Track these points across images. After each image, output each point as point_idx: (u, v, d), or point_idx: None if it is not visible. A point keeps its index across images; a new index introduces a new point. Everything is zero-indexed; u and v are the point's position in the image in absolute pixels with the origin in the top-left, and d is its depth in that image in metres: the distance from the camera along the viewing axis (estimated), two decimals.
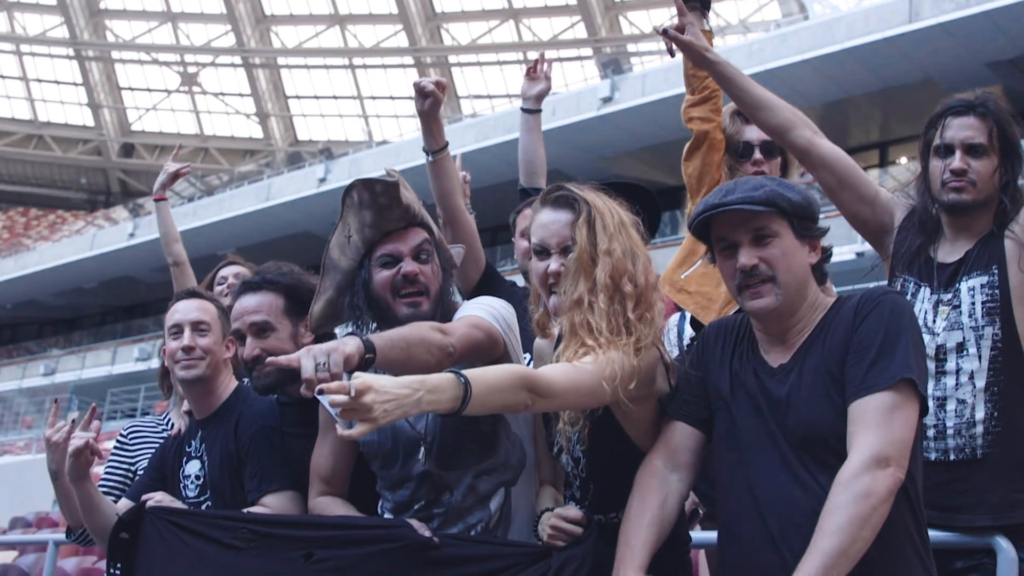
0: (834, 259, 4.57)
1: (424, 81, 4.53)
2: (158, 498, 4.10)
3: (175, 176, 6.87)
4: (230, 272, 5.97)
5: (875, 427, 3.02)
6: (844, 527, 2.91)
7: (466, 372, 3.02)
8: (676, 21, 4.32)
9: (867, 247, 4.70)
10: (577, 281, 3.49)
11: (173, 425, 5.23)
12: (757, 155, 4.93)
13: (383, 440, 3.83)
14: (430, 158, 4.67)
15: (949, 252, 4.10)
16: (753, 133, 4.86)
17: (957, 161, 4.04)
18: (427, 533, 3.56)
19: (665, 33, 4.28)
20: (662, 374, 3.52)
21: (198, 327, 4.54)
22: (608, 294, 3.46)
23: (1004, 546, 3.76)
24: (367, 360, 3.22)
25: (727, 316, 3.67)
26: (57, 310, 60.32)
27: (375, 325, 3.81)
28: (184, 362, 4.50)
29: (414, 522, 3.62)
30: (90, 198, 75.58)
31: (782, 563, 3.06)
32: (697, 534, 3.91)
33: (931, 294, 4.06)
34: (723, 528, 3.38)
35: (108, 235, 55.20)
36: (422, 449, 3.73)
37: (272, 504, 4.16)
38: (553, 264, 3.59)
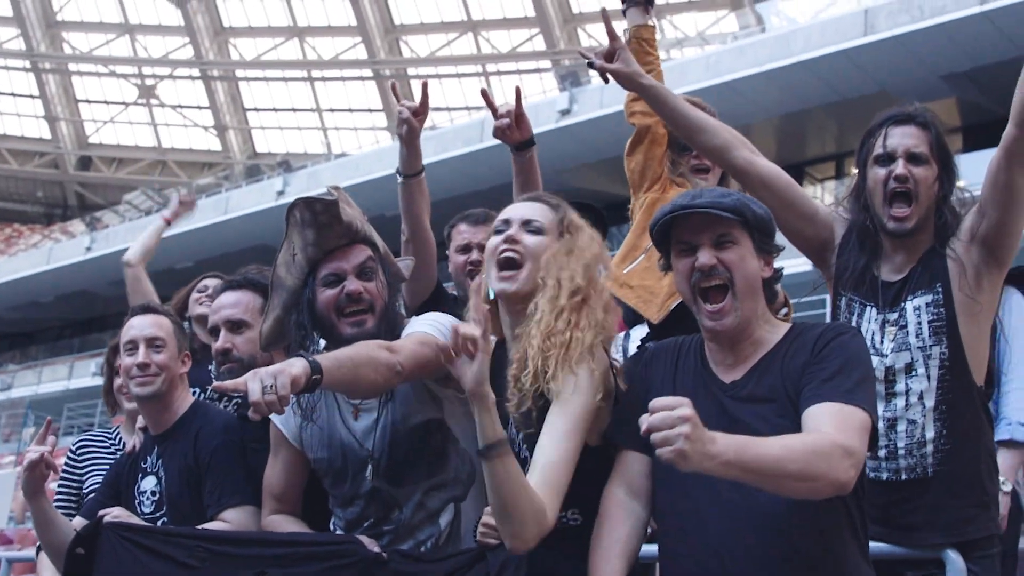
0: (790, 271, 4.59)
1: (402, 107, 4.55)
2: (115, 513, 4.10)
3: (183, 204, 7.13)
4: (212, 284, 5.94)
5: (840, 427, 3.02)
6: (797, 459, 2.89)
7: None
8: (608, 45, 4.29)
9: None
10: (573, 264, 3.52)
11: (123, 443, 5.24)
12: None
13: (333, 457, 3.85)
14: (400, 179, 4.69)
15: (892, 270, 4.11)
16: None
17: (900, 168, 4.03)
18: (376, 549, 3.58)
19: (591, 66, 4.29)
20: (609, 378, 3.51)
21: (153, 343, 4.53)
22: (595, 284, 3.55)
23: (953, 557, 3.79)
24: (314, 381, 3.23)
25: (666, 340, 3.66)
26: (13, 324, 59.82)
27: (323, 344, 3.82)
28: (139, 379, 4.50)
29: (363, 538, 3.65)
30: (47, 211, 74.98)
31: (738, 564, 3.09)
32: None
33: (877, 314, 4.07)
34: (667, 541, 3.39)
35: (65, 249, 54.84)
36: (369, 467, 3.74)
37: (232, 519, 4.16)
38: (512, 229, 3.62)
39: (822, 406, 3.08)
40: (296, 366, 3.18)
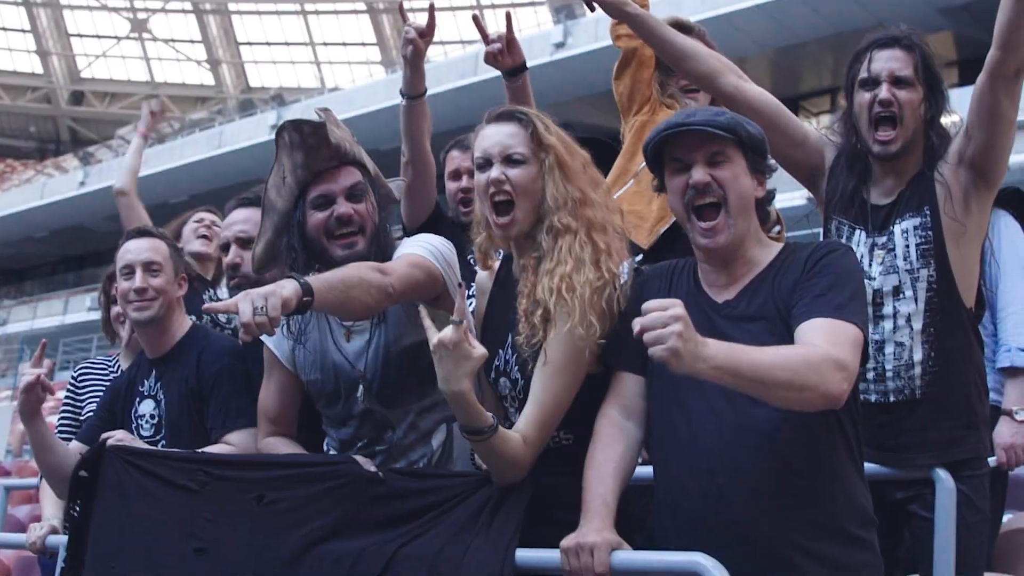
0: (784, 204, 4.59)
1: (409, 27, 4.54)
2: (118, 436, 4.11)
3: (154, 116, 6.88)
4: (208, 217, 5.97)
5: (832, 341, 3.03)
6: (786, 367, 2.92)
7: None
8: None
9: None
10: (566, 183, 3.53)
11: (122, 370, 5.25)
12: None
13: (325, 378, 3.88)
14: (404, 102, 4.68)
15: (881, 194, 4.12)
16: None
17: (884, 92, 4.03)
18: (372, 468, 3.60)
19: None
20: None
21: (150, 267, 4.53)
22: (598, 185, 3.62)
23: (943, 476, 3.82)
24: (305, 303, 3.25)
25: (661, 263, 3.67)
26: (7, 260, 59.85)
27: (317, 266, 3.82)
28: (136, 303, 4.51)
29: (359, 458, 3.68)
30: (40, 146, 74.77)
31: (731, 478, 3.12)
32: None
33: (866, 237, 4.08)
34: (664, 458, 3.40)
35: (58, 184, 54.77)
36: (360, 388, 3.75)
37: (236, 441, 4.21)
38: (494, 172, 3.56)
39: (814, 321, 3.10)
40: (287, 288, 3.19)
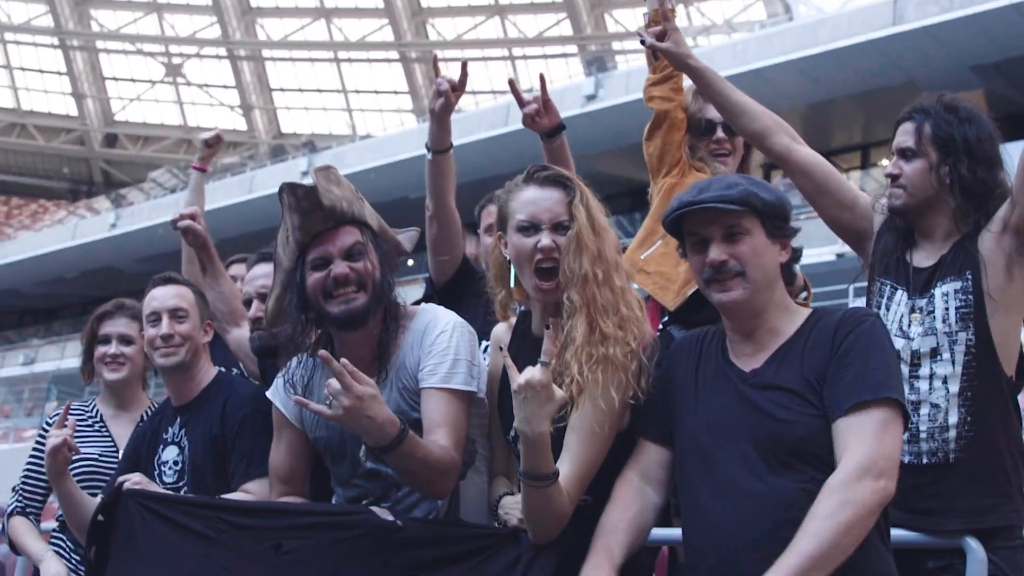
0: (813, 260, 4.60)
1: (442, 80, 4.56)
2: (135, 479, 4.10)
3: (209, 145, 6.59)
4: (114, 332, 5.47)
5: (867, 439, 3.04)
6: (828, 532, 2.93)
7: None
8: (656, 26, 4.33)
9: (847, 248, 4.73)
10: (580, 257, 3.53)
11: (100, 414, 5.32)
12: (720, 133, 4.91)
13: (331, 436, 3.87)
14: (430, 156, 4.69)
15: (924, 257, 4.12)
16: (716, 111, 4.78)
17: (890, 167, 4.14)
18: (389, 517, 3.58)
19: (643, 43, 4.32)
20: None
21: (176, 314, 4.56)
22: (613, 268, 3.58)
23: (974, 547, 3.77)
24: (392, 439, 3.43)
25: (691, 332, 3.68)
26: (38, 299, 60.13)
27: (319, 331, 3.85)
28: (163, 350, 4.53)
29: (375, 508, 3.65)
30: (72, 188, 75.32)
31: (753, 552, 3.08)
32: (657, 532, 3.93)
33: (908, 299, 4.08)
34: (690, 527, 3.38)
35: (90, 225, 55.04)
36: (363, 447, 3.75)
37: (255, 490, 4.19)
38: (545, 239, 3.58)
39: (857, 419, 3.08)
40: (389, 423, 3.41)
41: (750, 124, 4.34)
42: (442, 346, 3.76)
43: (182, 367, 4.55)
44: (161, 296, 4.61)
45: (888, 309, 4.11)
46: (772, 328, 3.33)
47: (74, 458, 5.00)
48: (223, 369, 4.87)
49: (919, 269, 4.10)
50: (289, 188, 3.78)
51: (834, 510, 2.96)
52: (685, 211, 3.32)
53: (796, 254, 3.48)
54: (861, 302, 5.57)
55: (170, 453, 4.56)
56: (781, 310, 3.37)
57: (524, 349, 3.68)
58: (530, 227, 3.63)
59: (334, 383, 3.34)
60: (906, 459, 3.96)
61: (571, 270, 3.54)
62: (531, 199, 3.65)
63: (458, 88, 4.60)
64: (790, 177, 4.37)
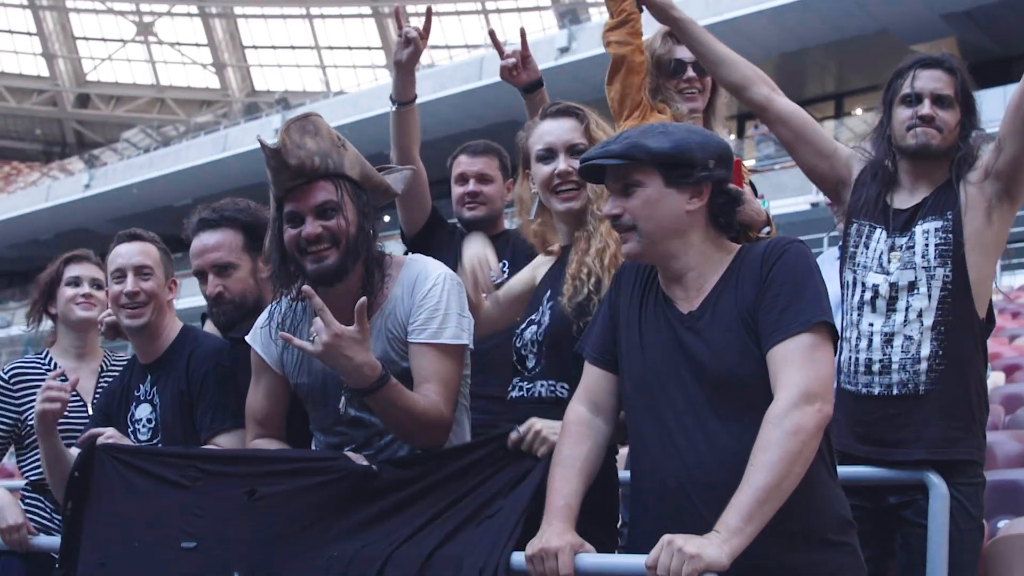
0: (788, 209, 4.63)
1: (409, 28, 4.56)
2: (108, 434, 4.11)
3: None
4: (85, 275, 5.44)
5: (799, 366, 3.08)
6: (776, 463, 2.96)
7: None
8: None
9: (821, 197, 4.77)
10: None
11: (57, 365, 5.23)
12: (690, 72, 4.92)
13: (313, 382, 3.88)
14: (394, 107, 4.69)
15: (906, 199, 4.21)
16: (686, 52, 4.78)
17: (926, 108, 4.17)
18: (364, 462, 3.62)
19: None
20: None
21: (141, 271, 4.51)
22: None
23: (936, 482, 3.84)
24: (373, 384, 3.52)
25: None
26: (12, 262, 59.86)
27: (300, 279, 3.82)
28: (128, 310, 4.49)
29: (350, 454, 3.69)
30: (45, 149, 74.85)
31: (703, 498, 3.12)
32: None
33: (887, 237, 4.16)
34: (638, 468, 3.40)
35: (64, 186, 54.85)
36: (343, 397, 3.77)
37: (224, 443, 4.19)
38: (561, 164, 3.88)
39: (786, 347, 3.12)
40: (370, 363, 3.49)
41: (730, 75, 4.43)
42: (433, 300, 3.78)
43: (147, 327, 4.52)
44: (126, 253, 4.55)
45: (867, 247, 4.20)
46: (700, 272, 3.33)
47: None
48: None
49: (899, 210, 4.20)
50: (261, 144, 3.77)
51: (778, 440, 2.98)
52: (587, 167, 3.39)
53: (733, 196, 3.44)
54: (834, 251, 5.62)
55: (143, 411, 4.55)
56: (706, 255, 3.35)
57: (561, 268, 3.91)
58: (547, 155, 3.92)
59: (317, 320, 3.44)
60: (876, 390, 4.08)
61: (591, 189, 3.81)
62: (546, 130, 3.97)
63: (424, 36, 4.62)
64: (769, 127, 4.48)
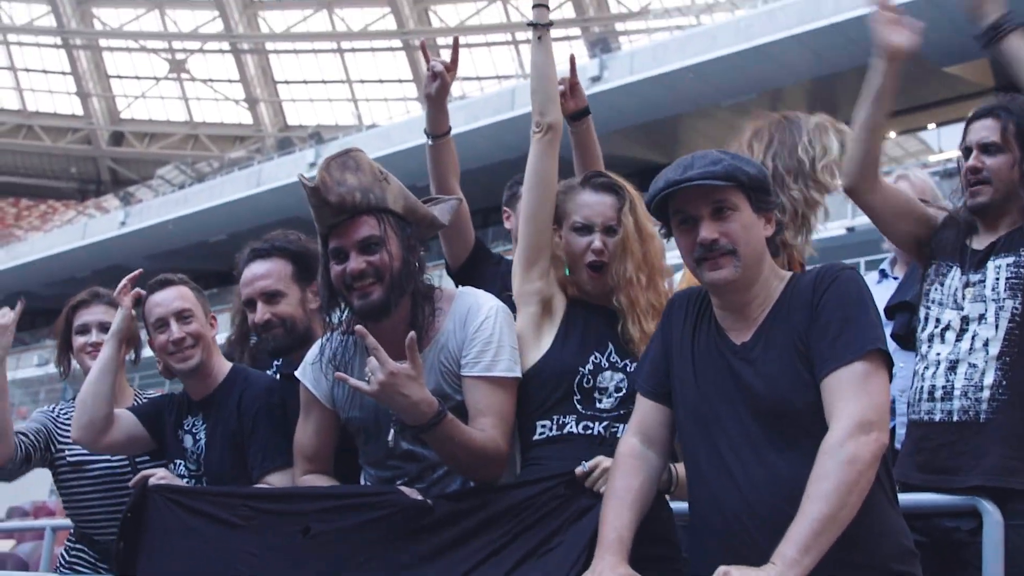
0: (824, 235, 4.58)
1: (435, 62, 4.55)
2: (160, 475, 4.11)
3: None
4: (92, 320, 5.39)
5: (854, 395, 3.06)
6: (832, 492, 2.93)
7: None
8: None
9: (857, 222, 4.75)
10: (625, 262, 3.90)
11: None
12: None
13: (365, 416, 3.88)
14: (430, 141, 4.68)
15: (983, 240, 4.22)
16: None
17: (972, 159, 4.21)
18: (418, 496, 3.61)
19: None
20: None
21: (182, 316, 4.53)
22: (657, 273, 3.96)
23: (990, 509, 3.77)
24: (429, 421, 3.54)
25: (691, 288, 3.68)
26: (50, 300, 59.83)
27: (346, 311, 3.85)
28: (178, 355, 4.51)
29: (404, 488, 3.68)
30: (81, 187, 75.42)
31: (761, 529, 3.09)
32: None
33: (961, 275, 4.16)
34: (695, 497, 3.39)
35: (99, 224, 55.22)
36: (392, 429, 3.77)
37: (275, 482, 4.20)
38: (597, 242, 3.94)
39: (839, 376, 3.09)
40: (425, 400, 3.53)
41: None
42: (486, 333, 3.80)
43: (199, 367, 4.54)
44: (163, 301, 4.57)
45: (942, 284, 4.20)
46: (761, 301, 3.33)
47: (86, 460, 5.02)
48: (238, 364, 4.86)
49: (976, 250, 4.19)
50: (301, 183, 3.76)
51: (834, 470, 2.96)
52: (671, 191, 3.30)
53: (779, 227, 3.46)
54: (872, 275, 5.58)
55: (188, 441, 4.59)
56: (769, 282, 3.36)
57: (581, 314, 3.98)
58: (584, 228, 3.97)
59: (372, 360, 3.44)
60: (937, 417, 4.04)
61: (617, 274, 3.90)
62: (586, 202, 4.01)
63: (451, 68, 4.60)
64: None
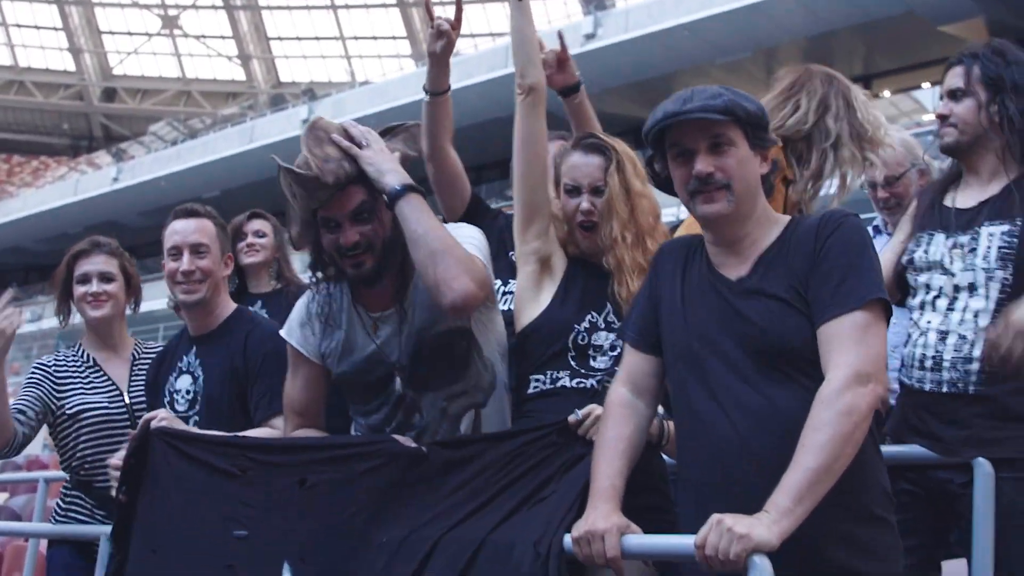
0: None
1: (441, 20, 4.54)
2: (162, 415, 4.12)
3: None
4: (93, 270, 5.33)
5: (852, 345, 3.07)
6: (828, 444, 2.95)
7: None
8: None
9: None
10: (611, 222, 3.98)
11: (91, 357, 5.27)
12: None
13: (357, 368, 3.93)
14: (427, 98, 4.68)
15: (969, 198, 4.19)
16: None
17: (941, 107, 4.22)
18: (412, 444, 3.65)
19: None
20: None
21: (197, 249, 4.59)
22: (645, 231, 4.01)
23: (981, 461, 3.80)
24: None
25: (679, 238, 3.72)
26: (42, 256, 60.07)
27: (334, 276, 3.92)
28: (184, 286, 4.58)
29: (398, 437, 3.72)
30: (73, 143, 75.26)
31: (755, 466, 3.10)
32: None
33: (946, 238, 4.13)
34: (685, 436, 3.40)
35: (92, 180, 55.09)
36: (396, 374, 3.85)
37: (280, 425, 4.25)
38: (585, 203, 4.02)
39: (839, 324, 3.11)
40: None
41: None
42: (463, 233, 3.88)
43: (203, 302, 4.61)
44: (182, 230, 4.63)
45: (927, 253, 4.16)
46: (754, 239, 3.34)
47: (84, 406, 5.03)
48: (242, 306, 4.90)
49: (961, 210, 4.16)
50: (297, 175, 3.73)
51: (830, 420, 2.97)
52: (669, 123, 3.30)
53: (774, 166, 3.46)
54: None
55: (183, 382, 4.64)
56: (763, 221, 3.37)
57: (583, 271, 4.07)
58: (573, 190, 4.06)
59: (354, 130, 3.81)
60: (927, 386, 4.03)
61: (604, 234, 3.99)
62: (574, 164, 4.09)
63: (456, 27, 4.59)
64: None
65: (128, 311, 5.34)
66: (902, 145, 5.41)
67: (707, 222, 3.36)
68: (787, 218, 3.41)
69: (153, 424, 4.02)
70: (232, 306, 4.75)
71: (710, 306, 3.30)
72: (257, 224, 6.37)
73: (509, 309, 4.29)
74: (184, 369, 4.65)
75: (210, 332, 4.66)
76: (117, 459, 4.05)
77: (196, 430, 4.28)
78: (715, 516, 2.89)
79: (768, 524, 2.85)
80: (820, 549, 3.08)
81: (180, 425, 4.20)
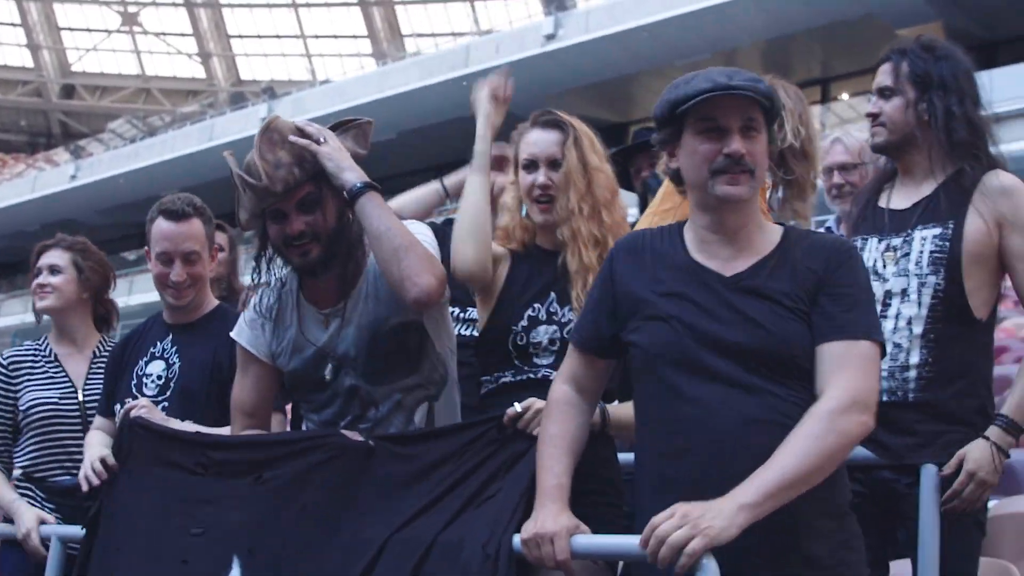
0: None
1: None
2: (141, 403, 4.15)
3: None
4: (44, 263, 5.28)
5: (857, 371, 3.06)
6: (812, 454, 2.93)
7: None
8: None
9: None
10: (568, 193, 3.99)
11: (53, 352, 5.25)
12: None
13: (307, 365, 3.94)
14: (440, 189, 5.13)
15: (903, 199, 4.16)
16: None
17: (871, 106, 4.22)
18: (359, 438, 3.66)
19: None
20: None
21: (188, 258, 4.55)
22: (601, 204, 4.03)
23: (931, 468, 3.83)
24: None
25: (634, 232, 3.65)
26: None
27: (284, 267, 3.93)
28: (174, 291, 4.57)
29: (345, 431, 3.73)
30: (30, 140, 74.66)
31: (750, 465, 2.98)
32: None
33: (879, 242, 4.11)
34: (652, 443, 3.28)
35: (49, 177, 54.78)
36: (344, 368, 3.88)
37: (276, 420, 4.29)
38: (541, 177, 4.04)
39: (850, 347, 3.09)
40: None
41: None
42: (415, 230, 3.84)
43: (190, 304, 4.64)
44: (173, 237, 4.55)
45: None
46: (750, 235, 3.26)
47: (33, 402, 5.03)
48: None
49: (895, 211, 4.13)
50: (247, 184, 3.75)
51: (821, 434, 2.95)
52: (716, 95, 3.16)
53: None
54: None
55: (156, 367, 4.63)
56: (758, 219, 3.31)
57: (530, 262, 4.10)
58: (530, 164, 4.09)
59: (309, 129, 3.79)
60: None
61: (560, 206, 4.00)
62: (532, 140, 4.12)
63: (506, 100, 4.37)
64: None
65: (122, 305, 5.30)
66: (861, 144, 5.44)
67: (723, 205, 3.21)
68: (779, 226, 3.36)
69: (132, 413, 4.05)
70: (214, 302, 4.76)
71: (699, 300, 3.20)
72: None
73: (472, 334, 4.45)
74: (158, 355, 4.64)
75: (191, 322, 4.66)
76: (109, 459, 4.07)
77: (166, 426, 4.26)
78: (675, 506, 2.87)
79: (730, 516, 2.83)
80: (797, 543, 3.07)
81: (159, 416, 4.22)
